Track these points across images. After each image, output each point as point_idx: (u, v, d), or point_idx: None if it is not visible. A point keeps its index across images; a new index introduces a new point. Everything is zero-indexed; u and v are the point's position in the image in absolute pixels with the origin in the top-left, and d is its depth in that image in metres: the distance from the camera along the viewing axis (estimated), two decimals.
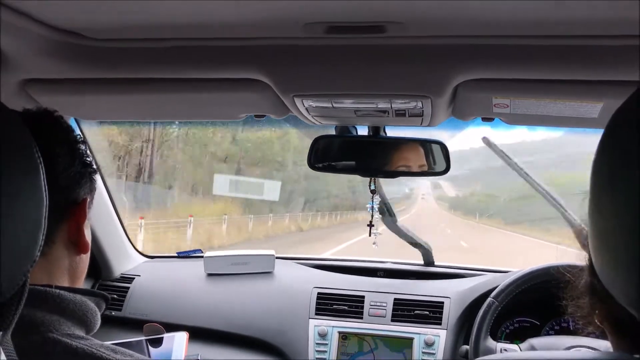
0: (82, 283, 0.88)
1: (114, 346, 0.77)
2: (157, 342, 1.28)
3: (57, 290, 0.77)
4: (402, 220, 1.96)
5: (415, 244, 2.01)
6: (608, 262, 0.53)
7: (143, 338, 1.30)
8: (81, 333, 0.77)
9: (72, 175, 0.82)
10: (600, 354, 0.54)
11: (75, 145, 0.84)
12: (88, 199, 0.84)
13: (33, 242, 0.59)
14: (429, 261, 2.02)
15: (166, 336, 1.30)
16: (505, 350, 1.50)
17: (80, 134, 1.66)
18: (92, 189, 0.87)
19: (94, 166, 0.88)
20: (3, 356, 0.57)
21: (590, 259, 0.63)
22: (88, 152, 0.87)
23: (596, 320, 0.67)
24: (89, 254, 0.88)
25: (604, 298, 0.60)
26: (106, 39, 1.00)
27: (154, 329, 1.33)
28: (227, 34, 0.96)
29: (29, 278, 0.61)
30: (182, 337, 1.30)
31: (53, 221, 0.67)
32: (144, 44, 1.00)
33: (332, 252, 10.72)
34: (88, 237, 0.85)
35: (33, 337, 0.71)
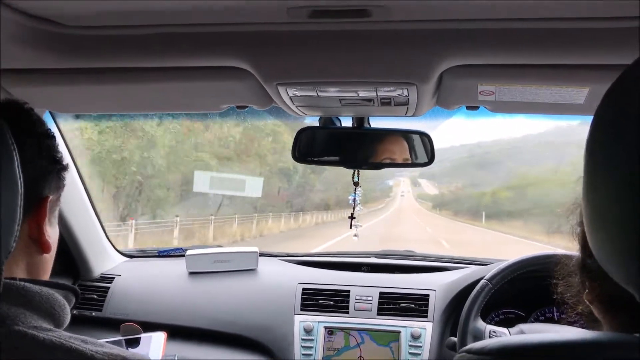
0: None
1: (84, 337, 0.74)
2: (135, 342, 1.27)
3: (22, 283, 0.73)
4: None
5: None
6: (604, 240, 0.52)
7: (121, 338, 1.28)
8: (49, 327, 0.74)
9: (37, 171, 0.77)
10: (601, 334, 0.53)
11: (44, 139, 0.80)
12: (52, 197, 0.80)
13: (10, 231, 0.56)
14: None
15: (143, 336, 1.28)
16: (494, 332, 1.50)
17: (57, 128, 1.63)
18: (58, 187, 0.83)
19: (64, 163, 0.84)
20: None
21: (582, 238, 0.63)
22: (58, 148, 0.83)
23: (585, 299, 0.66)
24: (52, 254, 0.84)
25: (596, 276, 0.60)
26: (82, 26, 0.96)
27: (132, 329, 1.31)
28: (208, 19, 0.93)
29: (3, 270, 0.58)
30: (159, 337, 1.29)
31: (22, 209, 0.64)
32: (121, 32, 0.97)
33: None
34: (51, 237, 0.81)
35: None
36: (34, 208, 0.77)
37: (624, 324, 0.59)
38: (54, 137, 0.82)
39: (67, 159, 0.85)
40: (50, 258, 0.83)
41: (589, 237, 0.56)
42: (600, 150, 0.52)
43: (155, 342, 1.28)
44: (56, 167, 0.81)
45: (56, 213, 0.85)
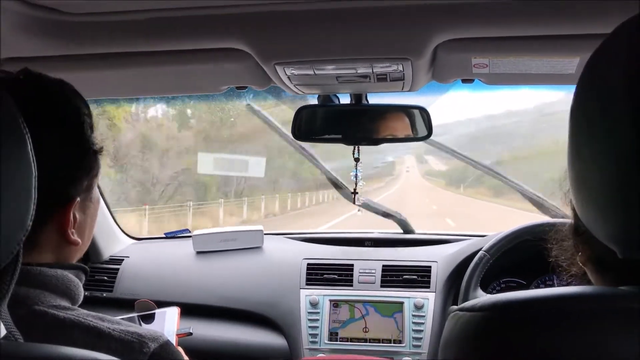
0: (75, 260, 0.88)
1: (101, 315, 0.77)
2: (149, 318, 1.29)
3: (38, 268, 0.77)
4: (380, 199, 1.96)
5: (387, 214, 2.05)
6: (587, 202, 0.55)
7: (135, 314, 1.31)
8: (67, 305, 0.78)
9: (64, 168, 0.78)
10: (584, 287, 0.56)
11: (72, 127, 0.80)
12: (79, 198, 0.81)
13: (25, 210, 0.59)
14: (407, 229, 2.05)
15: (158, 312, 1.31)
16: None
17: None
18: (93, 172, 0.83)
19: (95, 148, 0.83)
20: (2, 328, 0.58)
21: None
22: (89, 133, 0.82)
23: (579, 261, 0.69)
24: (86, 241, 0.86)
25: (587, 239, 0.62)
26: (81, 13, 0.98)
27: (146, 305, 1.34)
28: (205, 2, 0.95)
29: (22, 248, 0.61)
30: (173, 312, 1.31)
31: (47, 207, 0.66)
32: (121, 17, 0.99)
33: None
34: (83, 223, 0.83)
35: (19, 311, 0.71)
36: (60, 209, 0.78)
37: (611, 281, 0.62)
38: (82, 123, 0.81)
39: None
40: (82, 246, 0.85)
41: (573, 199, 0.59)
42: (583, 116, 0.54)
43: (169, 317, 1.29)
44: (88, 155, 0.81)
45: (92, 195, 0.85)
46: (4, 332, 0.57)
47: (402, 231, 2.07)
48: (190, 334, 1.31)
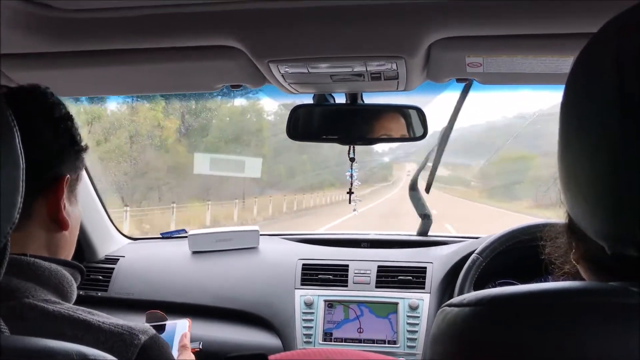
0: (67, 258, 0.88)
1: (90, 309, 0.77)
2: (160, 329, 1.27)
3: (32, 259, 0.77)
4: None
5: (423, 215, 2.04)
6: (577, 198, 0.55)
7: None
8: (58, 300, 0.78)
9: (53, 151, 0.82)
10: (573, 282, 0.56)
11: (61, 121, 0.84)
12: (70, 176, 0.84)
13: (12, 203, 0.59)
14: (423, 231, 2.05)
15: (168, 323, 1.30)
16: None
17: None
18: (76, 167, 0.87)
19: (82, 144, 0.88)
20: None
21: None
22: (77, 130, 0.87)
23: (572, 259, 0.69)
24: (74, 231, 0.88)
25: (581, 236, 0.62)
26: (75, 9, 0.98)
27: (156, 316, 1.32)
28: None
29: (9, 241, 0.61)
30: (184, 324, 1.29)
31: (29, 195, 0.68)
32: (114, 14, 0.99)
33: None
34: (71, 216, 0.85)
35: (9, 302, 0.71)
36: (51, 186, 0.81)
37: (603, 279, 0.62)
38: (72, 119, 0.86)
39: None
40: (70, 236, 0.87)
41: (563, 195, 0.59)
42: (573, 111, 0.54)
43: (180, 329, 1.28)
44: (74, 148, 0.85)
45: (77, 192, 0.88)
46: None
47: (404, 232, 2.07)
48: (200, 349, 1.30)
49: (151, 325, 1.28)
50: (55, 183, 0.82)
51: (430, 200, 2.05)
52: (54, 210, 0.82)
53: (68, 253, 0.89)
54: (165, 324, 1.29)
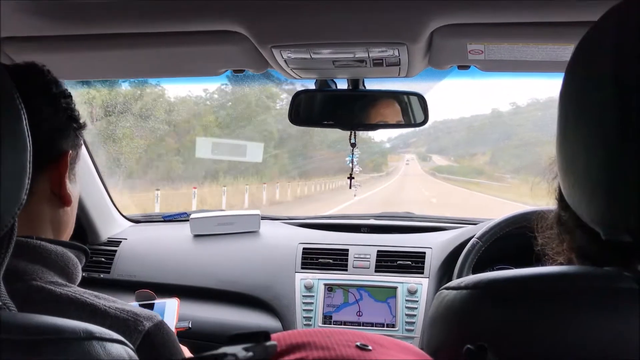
0: (67, 237, 0.90)
1: (96, 292, 0.79)
2: (149, 308, 1.29)
3: (38, 241, 0.78)
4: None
5: None
6: (574, 183, 0.56)
7: (134, 304, 1.32)
8: (64, 282, 0.79)
9: (54, 127, 0.83)
10: (570, 267, 0.57)
11: (60, 98, 0.85)
12: (71, 152, 0.85)
13: (19, 185, 0.60)
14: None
15: (157, 302, 1.31)
16: None
17: None
18: (76, 144, 0.88)
19: (81, 121, 0.89)
20: None
21: (558, 192, 0.66)
22: (75, 107, 0.88)
23: (564, 250, 0.70)
24: (74, 207, 0.89)
25: (570, 228, 0.63)
26: None
27: (146, 295, 1.34)
28: None
29: (16, 222, 0.62)
30: (173, 303, 1.31)
31: (33, 172, 0.69)
32: None
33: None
34: (72, 191, 0.86)
35: (17, 285, 0.72)
36: (54, 163, 0.82)
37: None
38: (70, 96, 0.87)
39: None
40: (71, 211, 0.89)
41: (561, 183, 0.60)
42: (571, 99, 0.55)
43: (169, 308, 1.30)
44: (72, 125, 0.86)
45: (76, 170, 0.89)
46: None
47: (403, 214, 2.11)
48: (189, 328, 1.31)
49: (139, 304, 1.31)
50: (58, 159, 0.83)
51: None
52: (58, 186, 0.83)
53: (70, 230, 0.91)
54: (154, 303, 1.30)
